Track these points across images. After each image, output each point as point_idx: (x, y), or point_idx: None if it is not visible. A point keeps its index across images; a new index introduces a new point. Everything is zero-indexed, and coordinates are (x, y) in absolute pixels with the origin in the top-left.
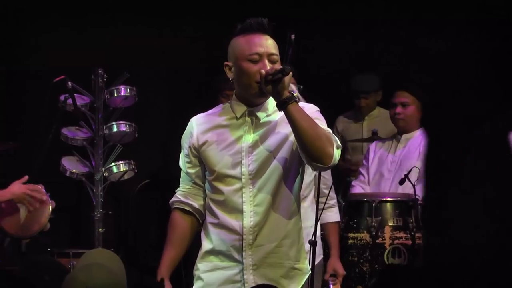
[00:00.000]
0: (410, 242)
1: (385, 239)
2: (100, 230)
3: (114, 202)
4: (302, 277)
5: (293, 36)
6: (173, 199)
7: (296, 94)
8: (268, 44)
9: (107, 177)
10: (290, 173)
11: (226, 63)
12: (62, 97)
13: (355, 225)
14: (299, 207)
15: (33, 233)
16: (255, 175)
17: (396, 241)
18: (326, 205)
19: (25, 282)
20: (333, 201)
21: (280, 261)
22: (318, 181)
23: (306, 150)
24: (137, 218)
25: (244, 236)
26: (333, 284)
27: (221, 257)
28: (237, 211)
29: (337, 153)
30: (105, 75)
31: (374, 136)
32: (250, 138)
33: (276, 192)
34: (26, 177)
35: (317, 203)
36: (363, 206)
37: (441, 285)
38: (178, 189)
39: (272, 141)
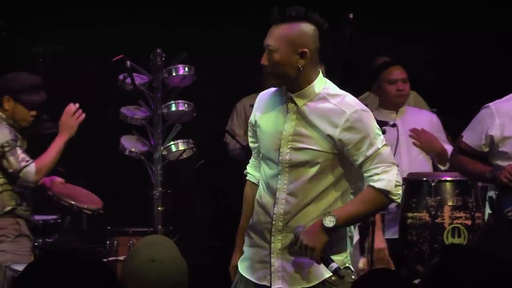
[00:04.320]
0: (470, 222)
1: (444, 219)
2: (159, 208)
3: (173, 181)
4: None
5: (351, 16)
6: (246, 170)
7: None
8: (268, 35)
9: (166, 156)
10: (327, 167)
11: None
12: (121, 76)
13: (414, 205)
14: (334, 199)
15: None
16: (291, 164)
17: (455, 221)
18: None
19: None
20: None
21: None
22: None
23: None
24: (194, 196)
25: (273, 222)
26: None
27: (259, 235)
28: (272, 195)
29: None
30: (163, 54)
31: None
32: (290, 126)
33: (310, 183)
34: None
35: None
36: (422, 185)
37: (498, 265)
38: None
39: (311, 133)
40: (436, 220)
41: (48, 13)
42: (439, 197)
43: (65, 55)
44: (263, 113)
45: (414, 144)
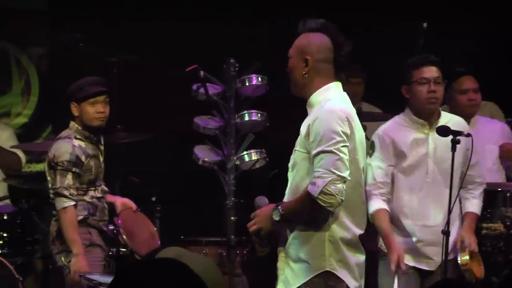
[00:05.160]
0: None
1: None
2: (232, 218)
3: (246, 191)
4: (313, 271)
5: (425, 25)
6: None
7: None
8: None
9: (239, 166)
10: (308, 167)
11: None
12: (194, 86)
13: (488, 215)
14: None
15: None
16: (291, 169)
17: None
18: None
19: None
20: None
21: (294, 252)
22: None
23: None
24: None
25: None
26: (461, 252)
27: None
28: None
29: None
30: (237, 64)
31: None
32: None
33: (297, 184)
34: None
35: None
36: (497, 195)
37: None
38: None
39: (299, 138)
40: (511, 231)
41: (122, 24)
42: None
43: (139, 65)
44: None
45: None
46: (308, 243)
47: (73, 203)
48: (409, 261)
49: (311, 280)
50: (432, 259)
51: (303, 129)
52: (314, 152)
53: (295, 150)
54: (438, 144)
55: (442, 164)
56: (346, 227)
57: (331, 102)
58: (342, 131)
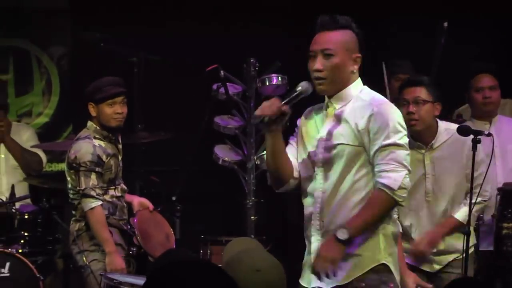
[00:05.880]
0: None
1: None
2: (252, 218)
3: (266, 190)
4: (366, 265)
5: (445, 24)
6: None
7: None
8: (322, 40)
9: (259, 165)
10: (357, 161)
11: None
12: (214, 86)
13: (509, 215)
14: (366, 193)
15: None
16: (324, 162)
17: None
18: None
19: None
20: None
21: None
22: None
23: None
24: (287, 206)
25: (312, 222)
26: None
27: (307, 242)
28: (311, 197)
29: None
30: (257, 64)
31: (460, 119)
32: (325, 127)
33: (344, 181)
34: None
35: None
36: None
37: None
38: None
39: (340, 130)
40: None
41: (144, 24)
42: None
43: (160, 65)
44: (306, 121)
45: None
46: (361, 236)
47: (100, 203)
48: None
49: (366, 275)
50: (436, 262)
51: (357, 121)
52: (381, 144)
53: (338, 144)
54: (436, 162)
55: (441, 183)
56: (395, 221)
57: (378, 95)
58: (403, 125)
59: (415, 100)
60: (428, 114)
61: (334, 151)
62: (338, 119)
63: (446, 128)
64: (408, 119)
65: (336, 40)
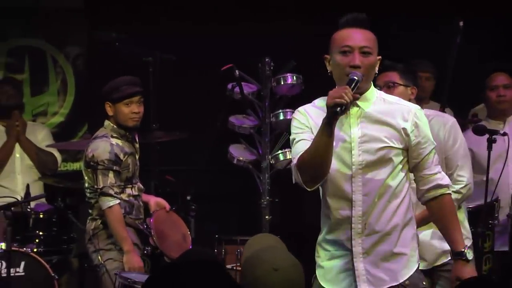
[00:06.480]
0: None
1: None
2: (267, 217)
3: (281, 190)
4: (413, 264)
5: (461, 23)
6: None
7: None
8: (360, 37)
9: (274, 165)
10: (400, 164)
11: (325, 56)
12: (229, 86)
13: None
14: (407, 197)
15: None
16: (365, 164)
17: None
18: None
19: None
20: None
21: (389, 248)
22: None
23: None
24: (302, 205)
25: (353, 225)
26: None
27: (336, 246)
28: (346, 200)
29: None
30: (272, 63)
31: (475, 119)
32: (358, 128)
33: (385, 182)
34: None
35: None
36: None
37: None
38: None
39: (381, 132)
40: None
41: (159, 24)
42: None
43: (175, 64)
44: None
45: None
46: (405, 236)
47: (118, 201)
48: None
49: (413, 275)
50: (425, 259)
51: (401, 123)
52: (430, 148)
53: (384, 146)
54: None
55: None
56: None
57: (400, 99)
58: None
59: (386, 84)
60: (401, 97)
61: (380, 153)
62: (372, 120)
63: (426, 112)
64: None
65: (373, 39)
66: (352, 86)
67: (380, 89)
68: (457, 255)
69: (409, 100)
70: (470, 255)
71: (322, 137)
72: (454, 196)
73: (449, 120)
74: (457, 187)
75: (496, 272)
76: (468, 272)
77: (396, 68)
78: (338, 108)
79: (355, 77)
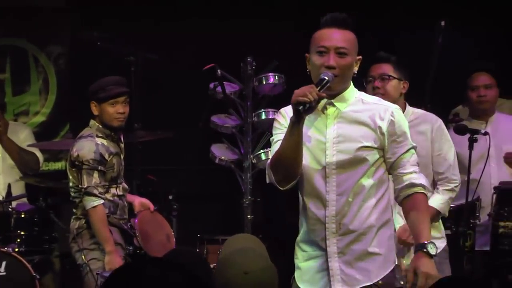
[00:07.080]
0: None
1: None
2: (248, 217)
3: (263, 189)
4: (389, 264)
5: (443, 23)
6: None
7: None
8: (337, 37)
9: (256, 164)
10: (375, 163)
11: (306, 54)
12: (211, 85)
13: (506, 214)
14: (382, 194)
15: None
16: (340, 165)
17: None
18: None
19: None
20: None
21: (364, 247)
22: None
23: None
24: (284, 205)
25: (327, 225)
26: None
27: (313, 246)
28: (321, 200)
29: None
30: (254, 63)
31: (456, 118)
32: (333, 129)
33: (360, 181)
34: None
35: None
36: None
37: None
38: None
39: (357, 132)
40: None
41: (141, 23)
42: None
43: (157, 64)
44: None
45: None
46: (381, 236)
47: (102, 201)
48: None
49: (388, 275)
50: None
51: (378, 123)
52: (407, 148)
53: (360, 146)
54: None
55: None
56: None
57: (381, 100)
58: None
59: (380, 76)
60: (394, 90)
61: (355, 153)
62: (348, 120)
63: (414, 111)
64: (374, 94)
65: (350, 40)
66: (320, 86)
67: (374, 80)
68: (419, 246)
69: (401, 94)
70: (432, 250)
71: (290, 137)
72: (449, 194)
73: (437, 120)
74: (452, 185)
75: (478, 272)
76: (427, 266)
77: (390, 60)
78: (301, 107)
79: (325, 77)
